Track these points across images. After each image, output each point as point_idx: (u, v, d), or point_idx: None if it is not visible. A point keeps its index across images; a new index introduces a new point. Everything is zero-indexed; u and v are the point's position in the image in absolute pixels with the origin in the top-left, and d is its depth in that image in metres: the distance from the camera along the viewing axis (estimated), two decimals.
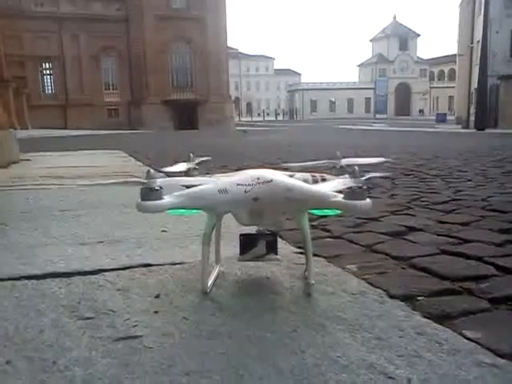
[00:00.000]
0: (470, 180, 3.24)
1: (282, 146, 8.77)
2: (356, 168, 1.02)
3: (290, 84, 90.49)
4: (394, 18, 69.67)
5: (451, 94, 60.23)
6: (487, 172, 3.73)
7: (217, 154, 6.83)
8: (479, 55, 20.96)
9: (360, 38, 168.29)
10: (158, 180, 1.03)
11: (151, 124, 36.20)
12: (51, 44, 37.41)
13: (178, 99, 39.01)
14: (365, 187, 1.00)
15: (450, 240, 1.60)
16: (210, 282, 1.17)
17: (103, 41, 37.97)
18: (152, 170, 1.01)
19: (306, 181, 1.23)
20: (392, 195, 2.59)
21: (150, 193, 1.01)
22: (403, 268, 1.33)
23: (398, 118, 57.16)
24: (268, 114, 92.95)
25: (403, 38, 68.04)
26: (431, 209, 2.19)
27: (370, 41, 72.44)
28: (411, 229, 1.79)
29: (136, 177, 3.94)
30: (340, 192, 1.03)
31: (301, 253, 1.48)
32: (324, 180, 1.25)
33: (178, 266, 1.36)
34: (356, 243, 1.59)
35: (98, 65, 38.95)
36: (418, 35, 69.72)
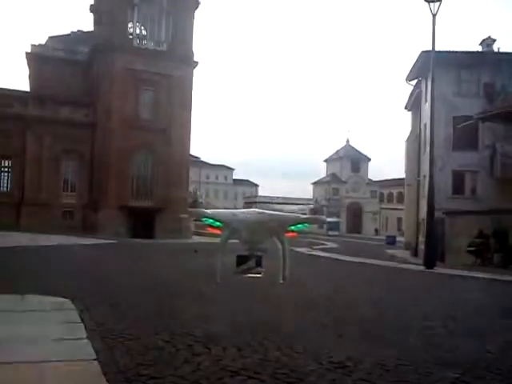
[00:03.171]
0: None
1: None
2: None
3: (247, 196, 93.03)
4: (347, 141, 75.11)
5: (399, 215, 63.47)
6: None
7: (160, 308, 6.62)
8: (426, 189, 22.63)
9: (315, 157, 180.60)
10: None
11: (106, 229, 35.71)
12: (14, 143, 37.52)
13: (136, 206, 39.01)
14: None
15: None
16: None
17: (67, 143, 38.47)
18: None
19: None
20: None
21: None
22: None
23: (350, 236, 59.06)
24: None
25: (355, 160, 72.82)
26: None
27: (324, 161, 76.99)
28: None
29: None
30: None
31: None
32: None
33: None
34: None
35: (58, 166, 39.06)
36: (369, 159, 74.97)
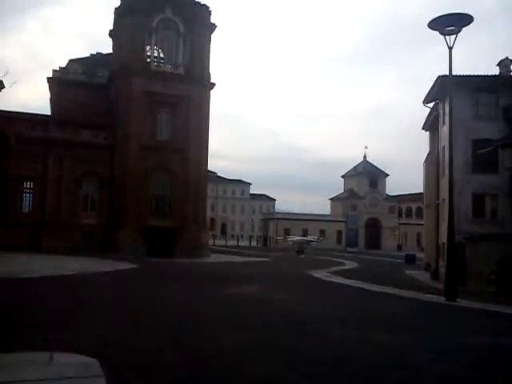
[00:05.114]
0: None
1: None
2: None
3: (264, 212, 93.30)
4: (365, 157, 74.82)
5: (419, 230, 62.83)
6: None
7: None
8: (445, 213, 22.41)
9: (332, 173, 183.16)
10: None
11: (126, 249, 36.06)
12: (36, 165, 38.22)
13: (155, 225, 39.27)
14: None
15: None
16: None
17: (87, 165, 39.04)
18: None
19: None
20: None
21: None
22: None
23: (369, 253, 58.59)
24: (242, 236, 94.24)
25: (373, 177, 72.52)
26: None
27: (342, 177, 76.83)
28: None
29: None
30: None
31: None
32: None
33: None
34: None
35: (78, 187, 39.62)
36: (387, 175, 74.54)
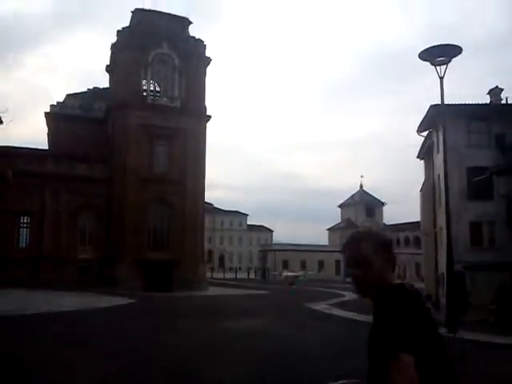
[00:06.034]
0: None
1: None
2: None
3: (262, 244, 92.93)
4: (361, 186, 75.20)
5: (417, 260, 62.36)
6: None
7: None
8: (443, 242, 22.32)
9: (329, 202, 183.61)
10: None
11: (123, 283, 35.61)
12: (33, 199, 38.12)
13: (152, 258, 38.90)
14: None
15: None
16: None
17: (84, 199, 38.96)
18: None
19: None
20: None
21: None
22: None
23: None
24: (240, 269, 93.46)
25: (370, 206, 72.70)
26: None
27: (339, 206, 76.96)
28: None
29: None
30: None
31: None
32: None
33: None
34: None
35: (75, 221, 39.43)
36: (384, 204, 74.72)
